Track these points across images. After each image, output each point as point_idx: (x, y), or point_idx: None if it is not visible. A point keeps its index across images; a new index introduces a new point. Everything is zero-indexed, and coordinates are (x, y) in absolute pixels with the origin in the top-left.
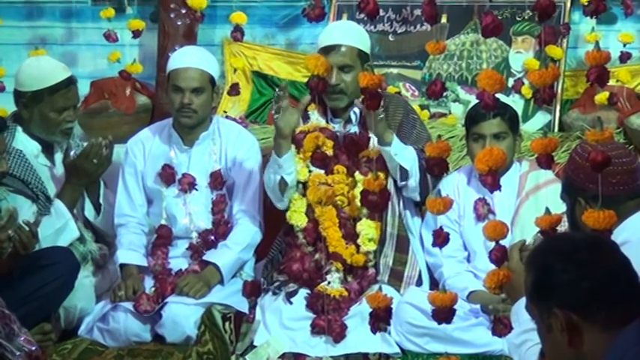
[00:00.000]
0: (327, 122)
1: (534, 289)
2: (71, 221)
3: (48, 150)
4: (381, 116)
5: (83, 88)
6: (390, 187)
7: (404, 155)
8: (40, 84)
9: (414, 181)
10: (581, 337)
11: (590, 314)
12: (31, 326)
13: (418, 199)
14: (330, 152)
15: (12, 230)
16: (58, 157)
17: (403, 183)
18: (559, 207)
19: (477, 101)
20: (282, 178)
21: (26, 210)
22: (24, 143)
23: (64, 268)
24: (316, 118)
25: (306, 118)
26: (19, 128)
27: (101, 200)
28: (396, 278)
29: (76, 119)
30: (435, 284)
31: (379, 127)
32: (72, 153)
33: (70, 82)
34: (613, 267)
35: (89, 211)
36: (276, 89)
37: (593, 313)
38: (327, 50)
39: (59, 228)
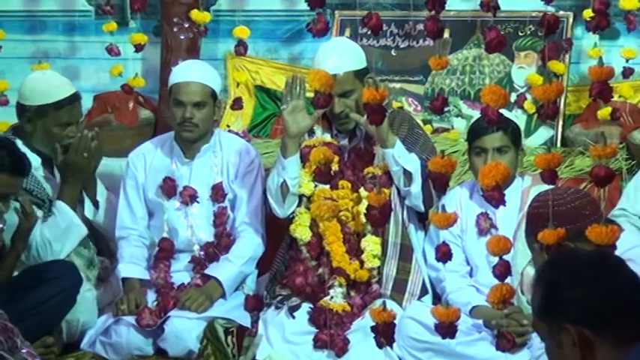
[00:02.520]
0: (332, 137)
1: (544, 305)
2: (76, 218)
3: (48, 163)
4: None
5: (86, 102)
6: (394, 197)
7: (407, 158)
8: (46, 99)
9: (417, 186)
10: (594, 353)
11: (602, 330)
12: (33, 340)
13: (422, 208)
14: (335, 167)
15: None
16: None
17: (406, 189)
18: None
19: (480, 115)
20: (284, 181)
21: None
22: (30, 154)
23: (66, 282)
24: (321, 133)
25: (311, 132)
26: (19, 141)
27: (98, 197)
28: (399, 290)
29: (76, 135)
30: (438, 296)
31: (382, 131)
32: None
33: (75, 99)
34: (619, 283)
35: (88, 210)
36: (288, 79)
37: (605, 329)
38: None
39: (65, 227)
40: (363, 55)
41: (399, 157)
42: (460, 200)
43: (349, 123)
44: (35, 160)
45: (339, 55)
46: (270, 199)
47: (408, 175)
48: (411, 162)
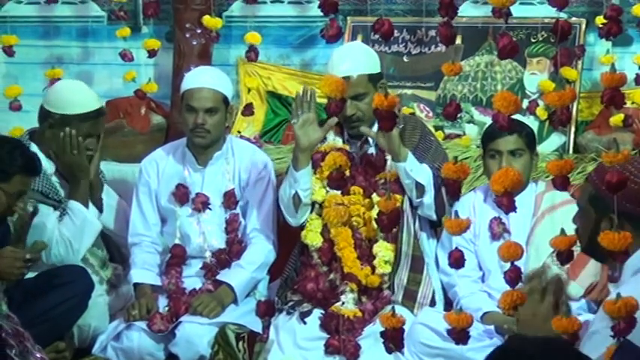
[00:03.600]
0: (343, 143)
1: None
2: (89, 214)
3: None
4: (395, 133)
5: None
6: (406, 207)
7: (419, 171)
8: (72, 109)
9: (429, 197)
10: None
11: None
12: (45, 344)
13: (434, 217)
14: (346, 173)
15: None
16: None
17: (419, 200)
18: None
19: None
20: (296, 193)
21: (50, 216)
22: (44, 160)
23: (78, 287)
24: (333, 139)
25: (323, 139)
26: (35, 146)
27: (109, 201)
28: (410, 299)
29: (97, 149)
30: (449, 305)
31: (393, 144)
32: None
33: (100, 114)
34: None
35: (92, 211)
36: (299, 91)
37: None
38: None
39: (80, 224)
40: (378, 60)
41: (411, 170)
42: (473, 204)
43: (360, 127)
44: (49, 166)
45: (354, 58)
46: (283, 209)
47: (420, 188)
48: (424, 174)
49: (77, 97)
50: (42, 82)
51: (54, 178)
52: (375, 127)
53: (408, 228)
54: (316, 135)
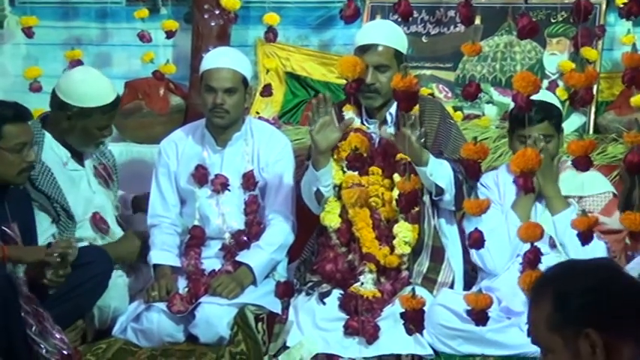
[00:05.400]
0: (361, 123)
1: (556, 318)
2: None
3: (77, 155)
4: (414, 138)
5: (117, 89)
6: (426, 199)
7: (439, 173)
8: (92, 102)
9: (449, 195)
10: (621, 354)
11: (623, 330)
12: (65, 325)
13: (454, 209)
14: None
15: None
16: (88, 162)
17: (438, 198)
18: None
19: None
20: (318, 189)
21: (45, 228)
22: (54, 150)
23: (98, 268)
24: (351, 119)
25: (340, 119)
26: (48, 134)
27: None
28: (429, 282)
29: (111, 134)
30: (468, 287)
31: (414, 149)
32: None
33: (117, 103)
34: (623, 283)
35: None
36: (313, 100)
37: (626, 329)
38: (363, 49)
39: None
40: (406, 41)
41: (431, 174)
42: (497, 174)
43: (374, 99)
44: (64, 154)
45: (385, 30)
46: (306, 201)
47: (439, 188)
48: (444, 175)
49: (95, 89)
50: (62, 64)
51: (70, 165)
52: (394, 108)
53: (428, 219)
54: (334, 135)
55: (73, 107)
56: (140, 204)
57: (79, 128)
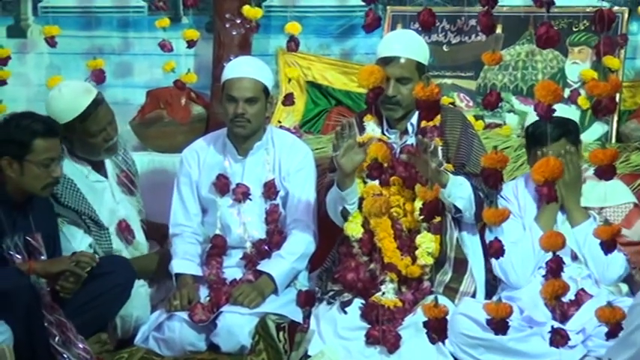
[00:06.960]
0: (382, 133)
1: None
2: None
3: (97, 166)
4: (434, 166)
5: (139, 98)
6: (448, 216)
7: (458, 194)
8: (69, 115)
9: (468, 213)
10: None
11: None
12: (88, 335)
13: (475, 222)
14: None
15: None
16: (110, 168)
17: (458, 216)
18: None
19: (537, 119)
20: (344, 208)
21: (79, 240)
22: (75, 166)
23: (120, 277)
24: (372, 129)
25: (361, 129)
26: (66, 150)
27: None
28: (451, 291)
29: (116, 135)
30: (489, 296)
31: (433, 172)
32: None
33: (97, 104)
34: None
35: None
36: (338, 127)
37: None
38: (385, 61)
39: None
40: (428, 51)
41: (449, 196)
42: (516, 185)
43: (395, 111)
44: (84, 168)
45: (407, 41)
46: (331, 216)
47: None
48: (463, 195)
49: (66, 102)
50: (84, 73)
51: (92, 177)
52: (415, 119)
53: (450, 232)
54: (358, 157)
55: (60, 126)
56: (151, 231)
57: (78, 142)
